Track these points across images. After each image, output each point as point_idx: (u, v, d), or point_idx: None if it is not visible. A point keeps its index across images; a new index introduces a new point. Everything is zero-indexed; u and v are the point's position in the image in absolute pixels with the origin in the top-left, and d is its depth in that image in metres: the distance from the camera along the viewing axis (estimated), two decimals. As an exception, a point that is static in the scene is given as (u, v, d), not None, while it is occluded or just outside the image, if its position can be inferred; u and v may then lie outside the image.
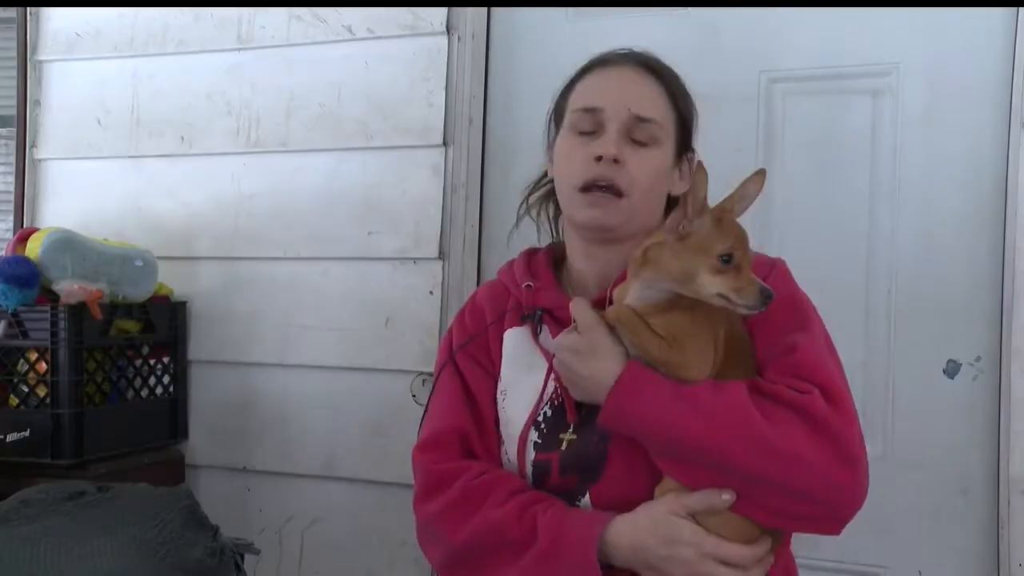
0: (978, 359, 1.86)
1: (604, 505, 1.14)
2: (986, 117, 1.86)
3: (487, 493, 1.16)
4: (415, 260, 2.19)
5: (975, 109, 1.86)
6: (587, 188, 1.19)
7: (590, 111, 1.21)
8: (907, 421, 1.90)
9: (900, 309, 1.91)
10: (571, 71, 1.29)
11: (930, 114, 1.90)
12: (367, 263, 2.23)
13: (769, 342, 1.13)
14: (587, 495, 1.15)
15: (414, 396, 2.17)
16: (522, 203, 1.39)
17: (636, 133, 1.20)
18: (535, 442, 1.20)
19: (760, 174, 1.13)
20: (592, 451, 1.16)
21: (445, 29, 2.15)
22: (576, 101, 1.24)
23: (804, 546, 1.93)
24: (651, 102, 1.22)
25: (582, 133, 1.22)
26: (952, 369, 1.88)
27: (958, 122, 1.88)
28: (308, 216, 2.28)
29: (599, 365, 1.11)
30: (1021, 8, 1.81)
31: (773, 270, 1.21)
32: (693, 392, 1.07)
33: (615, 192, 1.18)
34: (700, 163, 1.12)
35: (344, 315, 2.24)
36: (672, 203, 1.25)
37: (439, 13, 2.15)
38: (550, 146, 1.31)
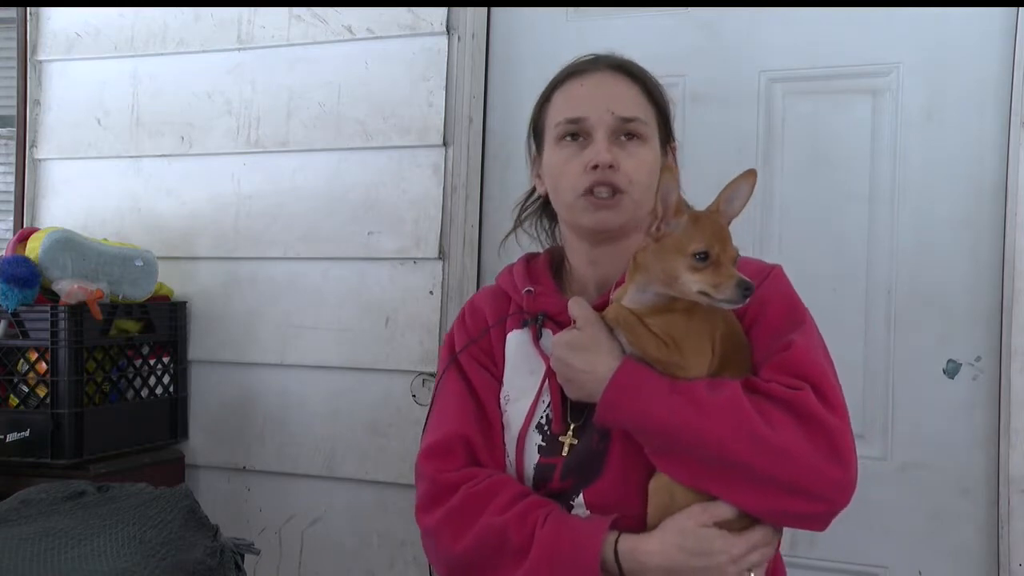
0: (978, 359, 1.86)
1: (598, 505, 1.15)
2: (986, 117, 1.86)
3: (488, 500, 1.16)
4: (415, 260, 2.19)
5: (975, 109, 1.87)
6: (588, 194, 1.21)
7: (574, 121, 1.24)
8: (907, 421, 1.90)
9: (900, 309, 1.91)
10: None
11: (930, 114, 1.90)
12: (367, 263, 2.23)
13: (765, 342, 1.14)
14: (580, 495, 1.16)
15: (414, 396, 2.17)
16: (515, 222, 1.40)
17: (623, 134, 1.23)
18: (539, 445, 1.21)
19: (750, 173, 1.14)
20: (593, 453, 1.17)
21: (445, 29, 2.15)
22: (557, 114, 1.26)
23: (804, 546, 1.94)
24: (631, 101, 1.25)
25: (571, 144, 1.24)
26: (952, 369, 1.88)
27: (958, 122, 1.88)
28: (308, 216, 2.28)
29: (596, 360, 1.12)
30: (1021, 8, 1.81)
31: (770, 274, 1.23)
32: (689, 387, 1.08)
33: (616, 191, 1.21)
34: (665, 165, 1.15)
35: (344, 315, 2.25)
36: None
37: (439, 13, 2.15)
38: (534, 161, 1.33)
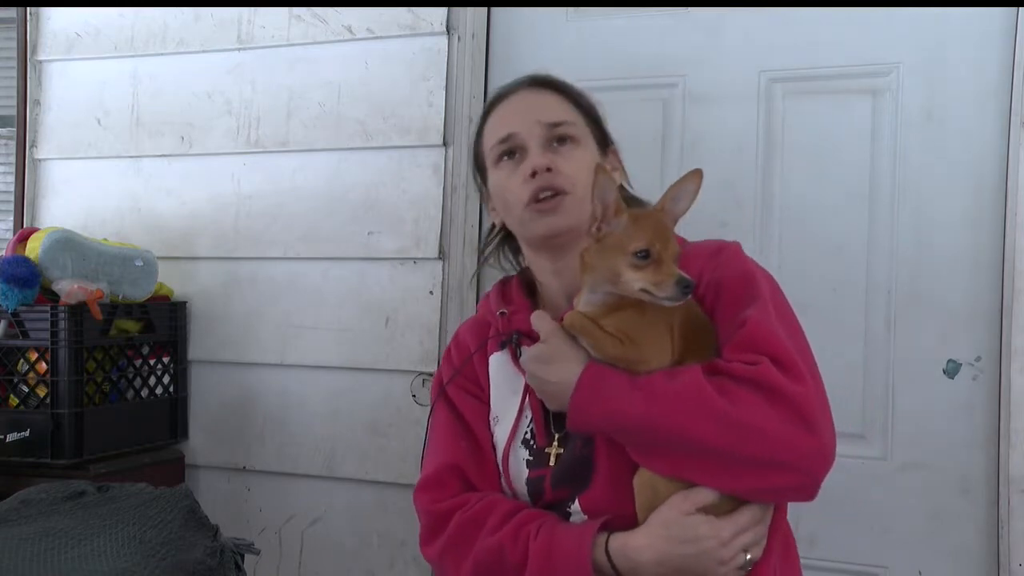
0: (978, 359, 1.86)
1: (593, 510, 1.16)
2: (986, 117, 1.86)
3: (482, 523, 1.18)
4: (415, 260, 2.19)
5: (975, 109, 1.87)
6: (533, 201, 1.23)
7: (505, 140, 1.27)
8: (907, 421, 1.90)
9: (900, 309, 1.91)
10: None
11: (930, 114, 1.90)
12: (367, 263, 2.23)
13: (725, 323, 1.14)
14: (576, 502, 1.17)
15: (414, 396, 2.17)
16: (479, 260, 1.45)
17: (555, 140, 1.25)
18: (527, 460, 1.23)
19: (696, 173, 1.14)
20: (579, 460, 1.18)
21: (445, 29, 2.16)
22: (490, 139, 1.30)
23: (804, 546, 1.93)
24: (554, 107, 1.28)
25: (508, 162, 1.27)
26: (952, 369, 1.88)
27: (958, 122, 1.88)
28: (308, 216, 2.28)
29: (563, 369, 1.13)
30: (1021, 8, 1.81)
31: (721, 253, 1.21)
32: (648, 381, 1.09)
33: (558, 193, 1.22)
34: (599, 164, 1.15)
35: (344, 315, 2.25)
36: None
37: (439, 13, 2.15)
38: (486, 198, 1.37)
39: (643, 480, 1.12)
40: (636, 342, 1.11)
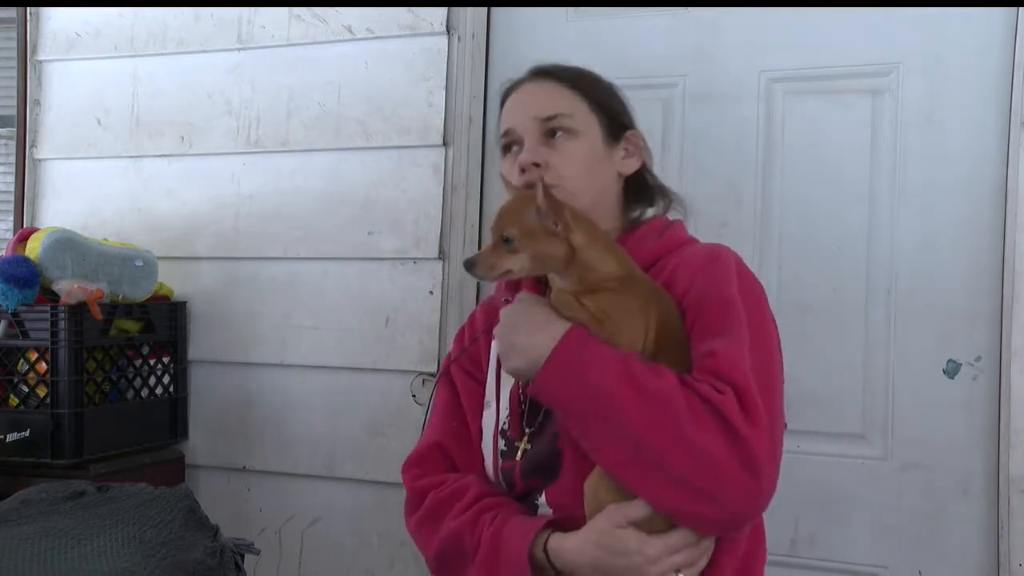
0: (978, 359, 1.86)
1: (557, 504, 1.18)
2: (986, 117, 1.86)
3: (451, 504, 1.22)
4: (415, 260, 2.19)
5: (975, 109, 1.86)
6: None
7: (506, 134, 1.30)
8: (907, 421, 1.90)
9: (900, 309, 1.91)
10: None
11: (930, 114, 1.90)
12: (367, 263, 2.23)
13: (697, 341, 1.14)
14: (543, 495, 1.20)
15: (414, 396, 2.17)
16: None
17: (550, 132, 1.26)
18: (502, 450, 1.26)
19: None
20: (546, 454, 1.20)
21: (445, 29, 2.16)
22: (499, 131, 1.33)
23: (804, 546, 1.94)
24: (549, 100, 1.28)
25: (509, 154, 1.30)
26: (952, 369, 1.88)
27: (958, 122, 1.88)
28: (308, 216, 2.28)
29: (538, 332, 1.14)
30: (1021, 8, 1.81)
31: (713, 265, 1.20)
32: (629, 358, 1.09)
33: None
34: (523, 193, 1.21)
35: (344, 315, 2.24)
36: (629, 182, 1.33)
37: (439, 13, 2.15)
38: None
39: (589, 485, 1.13)
40: (612, 321, 1.13)
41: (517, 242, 1.14)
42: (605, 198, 1.29)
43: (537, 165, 1.24)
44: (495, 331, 1.22)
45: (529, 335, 1.14)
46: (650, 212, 1.35)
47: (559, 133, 1.26)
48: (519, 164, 1.25)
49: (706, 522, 1.09)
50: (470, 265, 1.15)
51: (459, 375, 1.35)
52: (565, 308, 1.15)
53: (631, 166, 1.32)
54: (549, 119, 1.26)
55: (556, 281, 1.19)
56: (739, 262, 1.22)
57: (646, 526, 1.09)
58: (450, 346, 1.44)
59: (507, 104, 1.33)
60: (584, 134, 1.27)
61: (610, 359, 1.09)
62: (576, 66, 1.34)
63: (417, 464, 1.31)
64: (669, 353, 1.13)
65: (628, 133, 1.33)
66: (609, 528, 1.09)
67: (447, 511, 1.22)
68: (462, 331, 1.40)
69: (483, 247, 1.16)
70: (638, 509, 1.08)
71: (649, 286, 1.18)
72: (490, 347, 1.32)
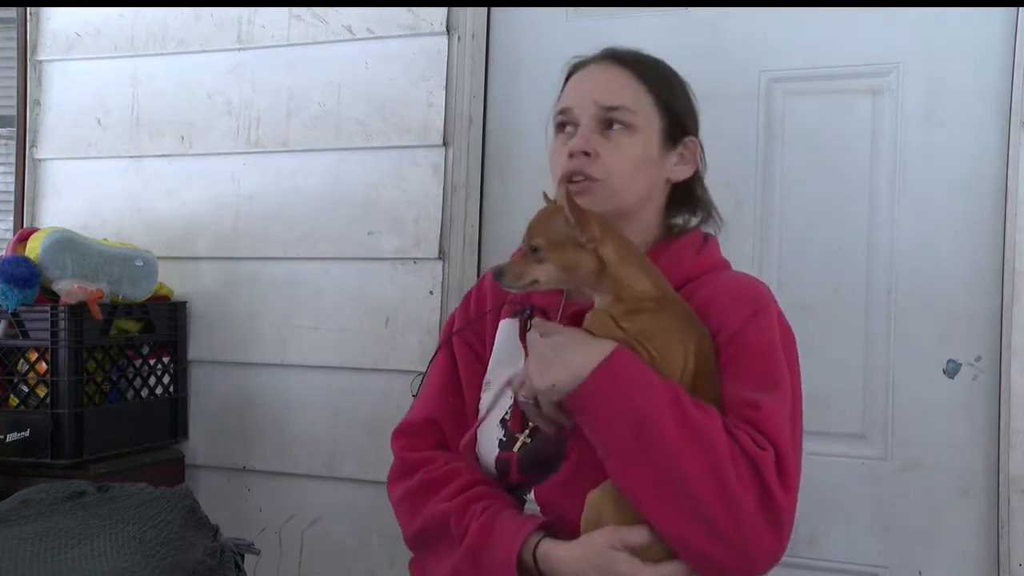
0: (978, 359, 1.86)
1: (546, 501, 1.18)
2: (986, 117, 1.85)
3: (441, 487, 1.22)
4: (415, 260, 2.19)
5: (975, 109, 1.86)
6: (568, 181, 1.22)
7: (563, 112, 1.26)
8: (907, 421, 1.90)
9: (900, 309, 1.91)
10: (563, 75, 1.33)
11: (930, 114, 1.90)
12: (367, 263, 2.23)
13: (735, 386, 1.12)
14: (532, 491, 1.20)
15: (414, 396, 2.16)
16: None
17: (609, 123, 1.23)
18: (500, 439, 1.24)
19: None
20: (547, 452, 1.19)
21: (445, 29, 2.15)
22: (557, 106, 1.29)
23: (804, 546, 1.94)
24: (618, 89, 1.24)
25: (563, 134, 1.26)
26: (952, 369, 1.88)
27: (958, 122, 1.88)
28: (308, 216, 2.28)
29: (582, 347, 1.11)
30: (1021, 8, 1.81)
31: (756, 315, 1.17)
32: (676, 388, 1.08)
33: (589, 179, 1.21)
34: (553, 206, 1.18)
35: (344, 315, 2.24)
36: (677, 189, 1.28)
37: (439, 13, 2.15)
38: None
39: (594, 499, 1.12)
40: (650, 342, 1.10)
41: (543, 252, 1.11)
42: (648, 201, 1.26)
43: (587, 155, 1.21)
44: (530, 351, 1.17)
45: (572, 351, 1.10)
46: (693, 222, 1.31)
47: (617, 126, 1.22)
48: (569, 148, 1.21)
49: (713, 564, 1.07)
50: (499, 273, 1.13)
51: (461, 348, 1.32)
52: (602, 328, 1.12)
53: (682, 173, 1.28)
54: (611, 109, 1.22)
55: (595, 299, 1.16)
56: (778, 307, 1.21)
57: (641, 554, 1.08)
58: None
59: (571, 81, 1.28)
60: (642, 131, 1.23)
61: (658, 383, 1.07)
62: (654, 57, 1.30)
63: (408, 434, 1.32)
64: (704, 385, 1.11)
65: (687, 139, 1.28)
66: (604, 547, 1.09)
67: (434, 493, 1.22)
68: (467, 299, 1.37)
69: (513, 255, 1.14)
70: (638, 535, 1.08)
71: (684, 310, 1.15)
72: (497, 324, 1.30)
